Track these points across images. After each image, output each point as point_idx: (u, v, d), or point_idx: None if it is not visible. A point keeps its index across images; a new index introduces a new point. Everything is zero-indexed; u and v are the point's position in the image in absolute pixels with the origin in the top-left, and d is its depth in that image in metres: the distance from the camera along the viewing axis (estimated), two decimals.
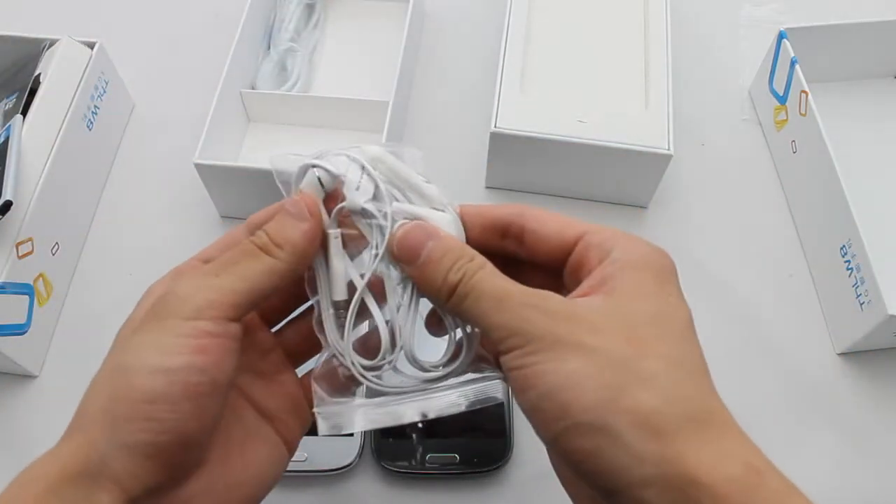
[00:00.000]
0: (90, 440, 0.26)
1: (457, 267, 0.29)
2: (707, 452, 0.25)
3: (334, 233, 0.31)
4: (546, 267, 0.31)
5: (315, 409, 0.31)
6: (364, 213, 0.30)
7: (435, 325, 0.33)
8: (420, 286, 0.30)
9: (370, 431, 0.45)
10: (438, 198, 0.32)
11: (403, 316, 0.31)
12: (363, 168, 0.31)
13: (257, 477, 0.31)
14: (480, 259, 0.29)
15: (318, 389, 0.31)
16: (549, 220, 0.31)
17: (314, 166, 0.31)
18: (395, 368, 0.31)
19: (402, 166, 0.32)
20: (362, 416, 0.31)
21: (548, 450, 0.31)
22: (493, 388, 0.31)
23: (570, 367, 0.26)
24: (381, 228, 0.30)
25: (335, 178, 0.31)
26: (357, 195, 0.30)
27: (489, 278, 0.29)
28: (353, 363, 0.31)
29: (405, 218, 0.31)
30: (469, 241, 0.32)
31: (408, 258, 0.30)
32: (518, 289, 0.28)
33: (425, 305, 0.32)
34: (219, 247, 0.32)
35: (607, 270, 0.29)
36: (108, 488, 0.25)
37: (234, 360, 0.28)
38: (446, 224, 0.31)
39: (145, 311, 0.28)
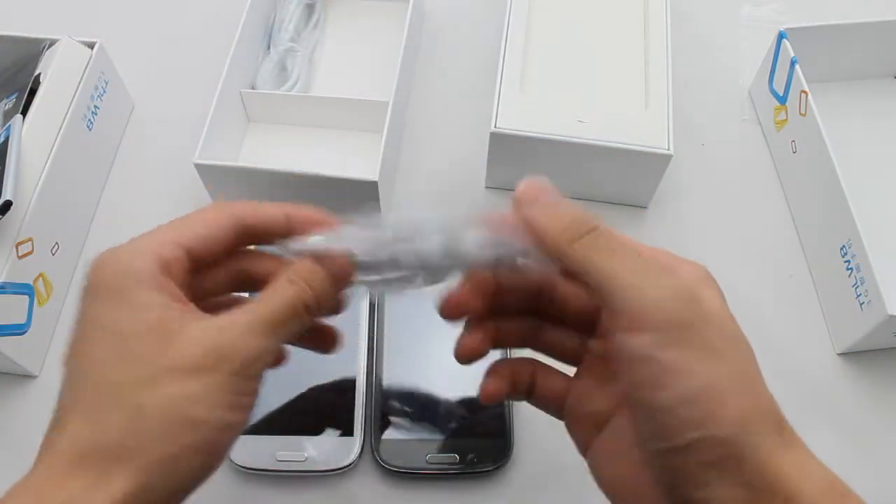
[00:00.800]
0: (150, 483, 0.26)
1: (589, 216, 0.27)
2: (799, 469, 0.25)
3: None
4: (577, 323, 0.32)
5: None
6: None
7: (449, 309, 0.32)
8: (540, 223, 0.27)
9: (370, 431, 0.45)
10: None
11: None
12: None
13: None
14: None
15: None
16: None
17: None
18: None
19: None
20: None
21: (598, 448, 0.31)
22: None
23: (716, 371, 0.25)
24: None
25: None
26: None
27: (622, 237, 0.27)
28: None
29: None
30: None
31: (534, 197, 0.28)
32: (657, 261, 0.27)
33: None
34: (201, 236, 0.31)
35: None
36: None
37: None
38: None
39: (204, 357, 0.27)
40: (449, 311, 0.32)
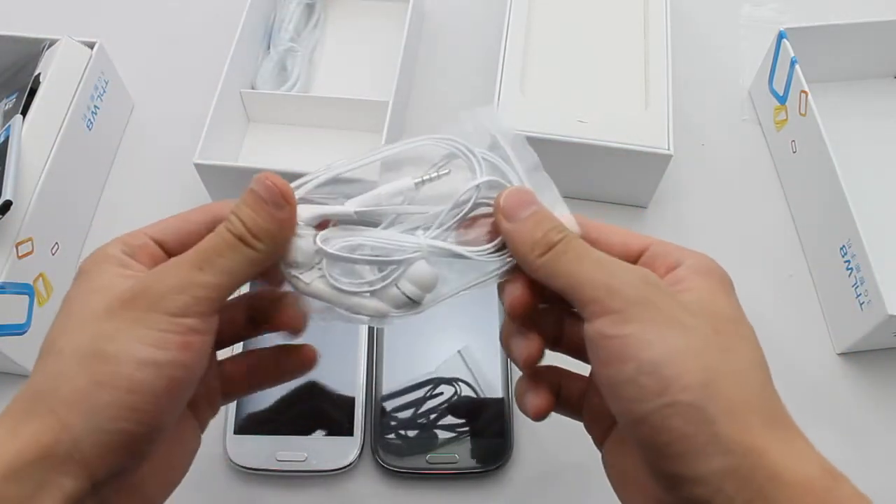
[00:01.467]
0: (64, 423, 0.25)
1: (559, 228, 0.29)
2: (788, 452, 0.25)
3: (321, 236, 0.30)
4: None
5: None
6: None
7: (516, 308, 0.31)
8: (514, 239, 0.30)
9: (370, 431, 0.45)
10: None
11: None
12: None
13: (187, 457, 0.32)
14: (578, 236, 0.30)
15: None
16: (612, 231, 0.31)
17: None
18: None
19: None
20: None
21: (608, 442, 0.31)
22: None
23: (675, 342, 0.26)
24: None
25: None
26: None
27: (588, 245, 0.29)
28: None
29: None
30: None
31: (512, 212, 0.30)
32: (611, 258, 0.28)
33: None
34: (174, 228, 0.31)
35: (680, 274, 0.29)
36: (74, 472, 0.25)
37: (210, 353, 0.29)
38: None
39: (121, 298, 0.27)
40: (515, 309, 0.31)
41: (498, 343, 0.47)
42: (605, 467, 0.32)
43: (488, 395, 0.46)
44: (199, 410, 0.33)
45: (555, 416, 0.47)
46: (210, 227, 0.30)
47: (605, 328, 0.27)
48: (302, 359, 0.35)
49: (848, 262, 0.47)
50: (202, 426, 0.33)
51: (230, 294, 0.29)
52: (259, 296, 0.33)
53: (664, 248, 0.30)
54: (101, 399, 0.26)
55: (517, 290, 0.30)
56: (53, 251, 0.49)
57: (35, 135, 0.48)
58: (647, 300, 0.27)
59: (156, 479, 0.30)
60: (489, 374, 0.47)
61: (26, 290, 0.46)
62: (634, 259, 0.30)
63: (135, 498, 0.29)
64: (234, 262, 0.28)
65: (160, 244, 0.30)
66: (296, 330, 0.32)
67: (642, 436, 0.26)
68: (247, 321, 0.33)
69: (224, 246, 0.28)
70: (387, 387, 0.46)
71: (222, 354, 0.34)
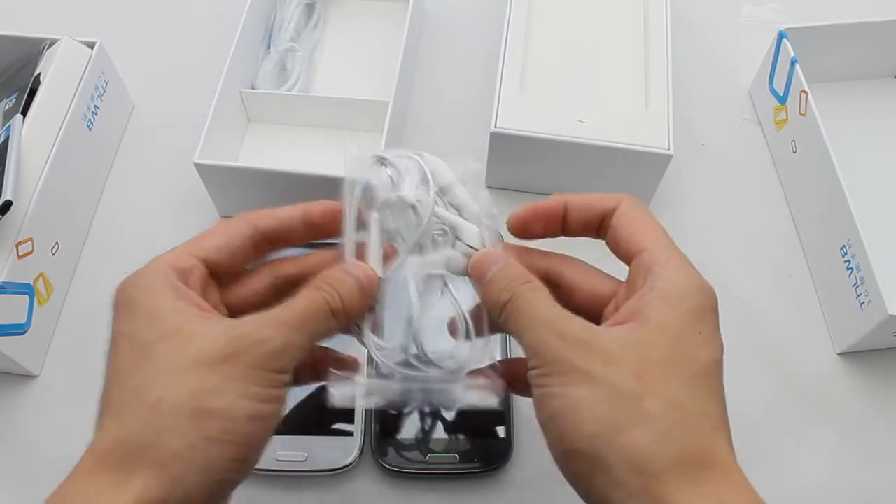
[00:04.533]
0: (175, 478, 0.26)
1: (509, 287, 0.31)
2: (689, 495, 0.26)
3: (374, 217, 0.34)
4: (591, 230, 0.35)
5: (328, 384, 0.33)
6: (410, 209, 0.33)
7: (456, 330, 0.35)
8: (483, 302, 0.33)
9: (370, 431, 0.45)
10: (477, 214, 0.35)
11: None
12: (424, 172, 0.35)
13: None
14: (534, 283, 0.31)
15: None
16: (588, 278, 0.34)
17: (383, 162, 0.36)
18: (408, 359, 0.33)
19: (453, 179, 0.35)
20: (369, 393, 0.33)
21: None
22: (489, 394, 0.34)
23: (574, 395, 0.28)
24: (418, 223, 0.33)
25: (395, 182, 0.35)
26: (410, 191, 0.34)
27: (533, 301, 0.31)
28: (370, 342, 0.33)
29: (440, 223, 0.34)
30: None
31: (476, 277, 0.33)
32: (550, 312, 0.30)
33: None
34: (218, 245, 0.33)
35: (644, 299, 0.30)
36: None
37: None
38: (471, 235, 0.34)
39: (222, 352, 0.28)
40: (515, 226, 0.35)
41: (498, 343, 0.47)
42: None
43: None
44: None
45: None
46: (254, 239, 0.33)
47: (532, 378, 0.29)
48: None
49: (848, 262, 0.47)
50: None
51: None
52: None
53: (650, 259, 0.31)
54: (212, 454, 0.27)
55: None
56: (53, 251, 0.49)
57: (35, 135, 0.48)
58: (561, 357, 0.28)
59: None
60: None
61: (26, 290, 0.46)
62: (605, 302, 0.33)
63: None
64: (324, 328, 0.31)
65: (206, 263, 0.32)
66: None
67: (564, 475, 0.29)
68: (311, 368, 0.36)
69: (321, 315, 0.31)
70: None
71: None
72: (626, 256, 0.33)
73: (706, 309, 0.30)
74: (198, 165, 0.49)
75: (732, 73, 0.63)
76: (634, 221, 0.33)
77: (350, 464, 0.44)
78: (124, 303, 0.30)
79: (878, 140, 0.57)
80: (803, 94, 0.52)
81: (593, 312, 0.33)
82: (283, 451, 0.44)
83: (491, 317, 0.33)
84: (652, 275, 0.30)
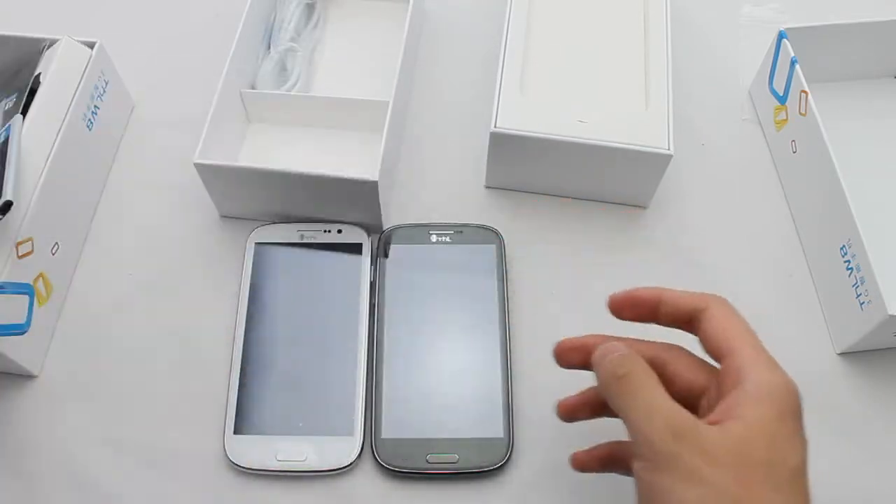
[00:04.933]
0: None
1: (626, 364, 0.34)
2: None
3: None
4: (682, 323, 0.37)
5: None
6: None
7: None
8: (599, 380, 0.36)
9: (370, 431, 0.45)
10: None
11: None
12: None
13: None
14: (646, 368, 0.34)
15: None
16: (688, 370, 0.36)
17: None
18: None
19: None
20: None
21: None
22: None
23: (688, 495, 0.30)
24: None
25: None
26: None
27: (647, 384, 0.33)
28: None
29: None
30: None
31: (597, 361, 0.36)
32: (665, 403, 0.32)
33: None
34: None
35: (736, 399, 0.32)
36: None
37: None
38: None
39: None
40: (612, 308, 0.39)
41: (498, 342, 0.48)
42: None
43: (488, 395, 0.46)
44: None
45: (555, 416, 0.47)
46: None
47: (639, 470, 0.31)
48: None
49: (848, 262, 0.47)
50: None
51: None
52: None
53: (738, 361, 0.33)
54: None
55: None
56: (53, 251, 0.49)
57: (35, 135, 0.48)
58: (673, 454, 0.30)
59: None
60: (489, 373, 0.47)
61: (26, 290, 0.46)
62: (702, 392, 0.35)
63: None
64: None
65: None
66: None
67: None
68: None
69: None
70: (387, 387, 0.46)
71: None
72: (716, 355, 0.35)
73: (793, 409, 0.32)
74: (198, 165, 0.49)
75: (732, 73, 0.63)
76: (724, 322, 0.35)
77: (350, 464, 0.44)
78: None
79: (878, 140, 0.57)
80: (803, 94, 0.52)
81: (688, 402, 0.34)
82: (283, 451, 0.44)
83: (602, 390, 0.35)
84: (743, 374, 0.33)
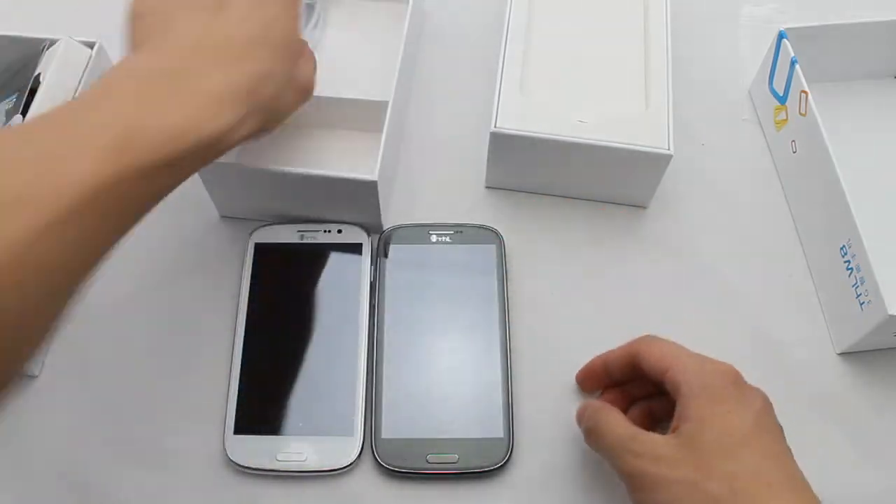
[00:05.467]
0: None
1: (591, 417, 0.41)
2: None
3: None
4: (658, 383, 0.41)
5: None
6: None
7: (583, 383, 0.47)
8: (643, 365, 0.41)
9: (370, 431, 0.45)
10: None
11: None
12: None
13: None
14: (608, 411, 0.40)
15: None
16: (653, 356, 0.40)
17: None
18: None
19: None
20: None
21: None
22: None
23: (663, 501, 0.35)
24: None
25: None
26: None
27: (608, 427, 0.39)
28: None
29: None
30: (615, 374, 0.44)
31: (577, 419, 0.43)
32: (624, 433, 0.38)
33: None
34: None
35: (681, 406, 0.37)
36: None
37: None
38: None
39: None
40: (580, 385, 0.47)
41: (498, 342, 0.48)
42: None
43: (488, 395, 0.46)
44: None
45: (555, 416, 0.47)
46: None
47: (630, 495, 0.37)
48: None
49: (848, 262, 0.47)
50: None
51: None
52: None
53: (673, 375, 0.38)
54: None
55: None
56: None
57: None
58: (640, 472, 0.36)
59: None
60: (489, 373, 0.47)
61: None
62: (662, 375, 0.40)
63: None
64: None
65: None
66: None
67: None
68: None
69: None
70: (387, 387, 0.46)
71: None
72: (660, 381, 0.39)
73: (725, 386, 0.37)
74: None
75: (732, 73, 0.63)
76: (653, 353, 0.40)
77: (350, 464, 0.44)
78: None
79: (878, 140, 0.57)
80: (803, 94, 0.52)
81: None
82: (283, 451, 0.44)
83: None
84: (678, 383, 0.38)
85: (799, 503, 0.34)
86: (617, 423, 0.39)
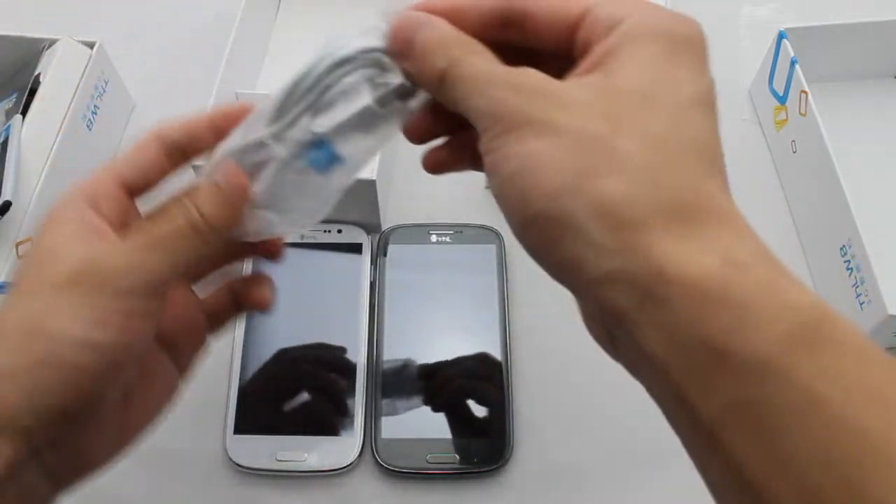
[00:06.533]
0: (2, 398, 0.25)
1: (445, 53, 0.26)
2: (680, 246, 0.21)
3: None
4: (560, 57, 0.26)
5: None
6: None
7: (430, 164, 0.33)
8: (419, 80, 0.27)
9: (370, 431, 0.45)
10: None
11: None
12: None
13: (154, 410, 0.32)
14: (473, 45, 0.26)
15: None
16: (552, 16, 0.26)
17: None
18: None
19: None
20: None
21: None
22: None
23: (532, 148, 0.23)
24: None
25: None
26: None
27: (476, 63, 0.25)
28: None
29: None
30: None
31: (400, 49, 0.27)
32: (500, 70, 0.25)
33: None
34: (133, 164, 0.31)
35: (610, 44, 0.24)
36: (12, 439, 0.25)
37: (153, 331, 0.29)
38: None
39: (68, 273, 0.27)
40: (430, 164, 0.33)
41: (498, 342, 0.47)
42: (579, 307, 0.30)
43: (488, 395, 0.46)
44: (180, 351, 0.33)
45: (555, 416, 0.47)
46: (167, 151, 0.31)
47: (482, 146, 0.25)
48: (266, 290, 0.36)
49: (848, 262, 0.47)
50: (186, 366, 0.34)
51: (178, 279, 0.29)
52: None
53: (608, 10, 0.25)
54: (43, 378, 0.26)
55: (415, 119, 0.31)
56: None
57: (35, 135, 0.48)
58: (517, 110, 0.24)
59: (112, 437, 0.30)
60: (489, 373, 0.47)
61: None
62: (576, 26, 0.25)
63: (79, 459, 0.29)
64: (185, 252, 0.28)
65: (123, 185, 0.31)
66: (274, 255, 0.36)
67: (527, 250, 0.25)
68: (229, 300, 0.35)
69: (177, 235, 0.28)
70: (387, 387, 0.46)
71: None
72: (565, 27, 0.26)
73: (690, 43, 0.25)
74: (196, 165, 0.49)
75: (732, 73, 0.63)
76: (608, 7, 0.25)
77: (350, 464, 0.44)
78: (42, 226, 0.29)
79: (878, 140, 0.57)
80: (803, 94, 0.52)
81: (567, 46, 0.26)
82: (283, 451, 0.44)
83: (430, 93, 0.28)
84: (615, 20, 0.24)
85: (734, 220, 0.24)
86: (489, 59, 0.25)
